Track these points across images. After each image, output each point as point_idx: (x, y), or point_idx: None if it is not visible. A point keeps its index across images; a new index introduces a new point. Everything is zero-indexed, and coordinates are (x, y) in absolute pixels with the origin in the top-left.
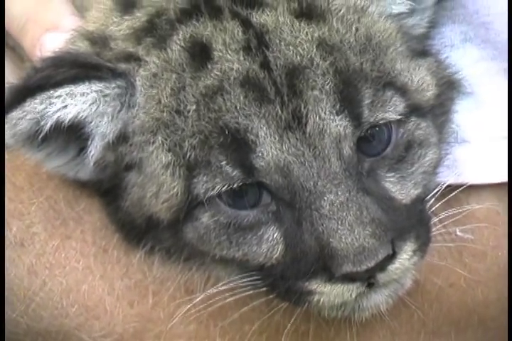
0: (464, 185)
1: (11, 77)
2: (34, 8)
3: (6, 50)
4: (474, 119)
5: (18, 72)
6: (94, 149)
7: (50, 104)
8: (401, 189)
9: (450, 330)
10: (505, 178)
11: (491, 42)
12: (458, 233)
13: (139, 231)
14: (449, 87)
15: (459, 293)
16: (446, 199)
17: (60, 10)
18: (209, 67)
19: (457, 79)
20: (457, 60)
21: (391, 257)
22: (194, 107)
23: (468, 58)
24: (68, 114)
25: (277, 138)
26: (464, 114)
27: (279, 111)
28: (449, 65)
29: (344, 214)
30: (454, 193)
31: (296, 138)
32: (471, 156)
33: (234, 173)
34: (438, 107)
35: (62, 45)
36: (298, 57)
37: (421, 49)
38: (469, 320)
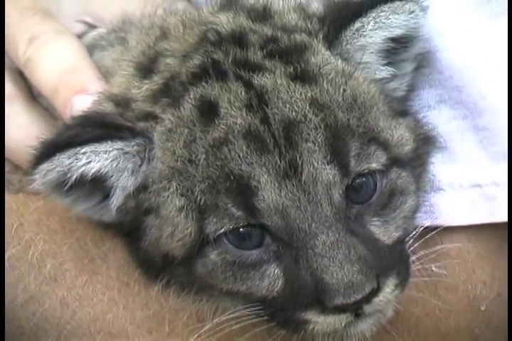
0: (439, 227)
1: (45, 134)
2: (66, 73)
3: (41, 110)
4: (448, 170)
5: (51, 129)
6: (116, 199)
7: (76, 159)
8: (384, 231)
9: None
10: (474, 221)
11: (463, 103)
12: (433, 269)
13: (156, 267)
14: (426, 142)
15: (434, 321)
16: (423, 239)
17: (88, 75)
18: (216, 122)
19: (433, 135)
20: (433, 119)
21: (376, 291)
22: (204, 156)
23: (443, 117)
24: (92, 169)
25: (276, 185)
26: (438, 166)
27: (278, 161)
28: (425, 123)
29: (335, 252)
30: (430, 234)
31: (293, 185)
32: (444, 202)
33: (238, 214)
34: (416, 159)
35: (90, 105)
36: (293, 113)
37: (401, 109)
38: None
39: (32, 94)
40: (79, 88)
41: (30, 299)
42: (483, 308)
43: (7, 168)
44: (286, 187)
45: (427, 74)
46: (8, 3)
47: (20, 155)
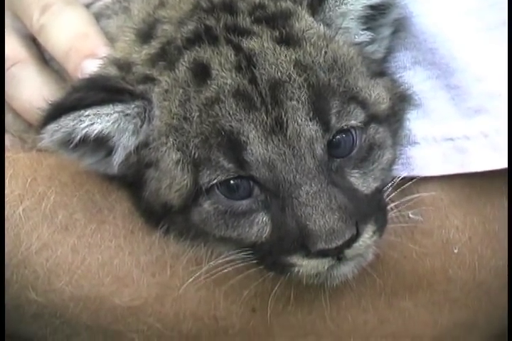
0: (415, 177)
1: (56, 95)
2: (76, 39)
3: (52, 73)
4: (422, 125)
5: (62, 91)
6: (118, 157)
7: (80, 121)
8: (363, 182)
9: (405, 293)
10: (446, 172)
11: (436, 64)
12: (410, 215)
13: (157, 215)
14: (402, 100)
15: (411, 263)
16: (400, 189)
17: (96, 41)
18: (208, 82)
19: (408, 93)
20: (408, 79)
21: (356, 237)
22: (197, 114)
23: (418, 77)
24: (94, 130)
25: (263, 140)
26: (414, 121)
27: (265, 118)
28: (401, 83)
29: (317, 201)
30: (406, 184)
31: (279, 140)
32: (419, 155)
33: (229, 167)
34: (392, 116)
35: (96, 69)
36: (279, 74)
37: (379, 70)
38: (420, 284)
39: (44, 59)
40: (88, 53)
41: (44, 246)
42: (456, 251)
43: (22, 127)
44: (273, 141)
45: (402, 37)
46: None
47: (33, 115)
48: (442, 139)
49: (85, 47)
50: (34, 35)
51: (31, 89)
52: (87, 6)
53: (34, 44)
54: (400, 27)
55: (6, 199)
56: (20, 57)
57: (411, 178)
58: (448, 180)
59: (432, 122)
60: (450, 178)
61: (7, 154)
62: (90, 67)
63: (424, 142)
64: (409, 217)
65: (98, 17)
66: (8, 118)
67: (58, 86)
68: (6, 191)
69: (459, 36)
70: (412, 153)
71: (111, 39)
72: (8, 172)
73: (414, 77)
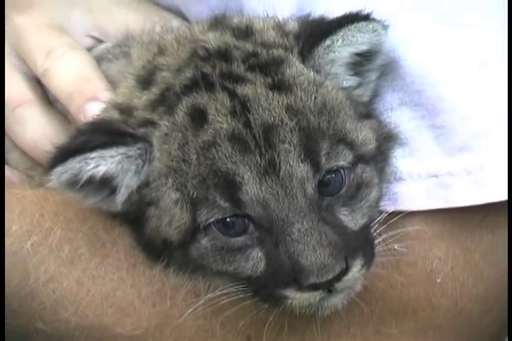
0: (401, 212)
1: (61, 136)
2: (80, 82)
3: (55, 113)
4: (408, 163)
5: (65, 131)
6: (121, 195)
7: (85, 164)
8: (351, 219)
9: (391, 320)
10: (430, 206)
11: (422, 104)
12: (396, 248)
13: (157, 250)
14: (388, 140)
15: (397, 292)
16: (387, 224)
17: (98, 84)
18: (205, 127)
19: (394, 133)
20: (395, 119)
21: (345, 271)
22: (195, 156)
23: (404, 117)
24: (99, 172)
25: (258, 180)
26: (400, 159)
27: (259, 160)
28: (387, 123)
29: (308, 238)
30: (393, 219)
31: (272, 180)
32: (405, 191)
33: (225, 206)
34: (379, 155)
35: (99, 112)
36: (271, 118)
37: (365, 112)
38: (405, 312)
39: (48, 100)
40: (91, 96)
41: (50, 279)
42: (439, 280)
43: (28, 165)
44: (266, 182)
45: (390, 80)
46: (28, 20)
47: (38, 154)
48: (427, 176)
49: (88, 90)
50: (37, 75)
51: (36, 128)
52: (89, 49)
53: (39, 86)
54: (388, 70)
55: (15, 235)
56: (25, 99)
57: (397, 213)
58: (432, 214)
59: (417, 160)
60: (434, 213)
61: (15, 191)
62: (93, 110)
63: (410, 178)
64: (395, 250)
65: (99, 60)
66: (15, 155)
67: (62, 126)
68: (15, 227)
69: (446, 77)
70: (398, 188)
71: (112, 82)
72: (17, 208)
73: (400, 118)
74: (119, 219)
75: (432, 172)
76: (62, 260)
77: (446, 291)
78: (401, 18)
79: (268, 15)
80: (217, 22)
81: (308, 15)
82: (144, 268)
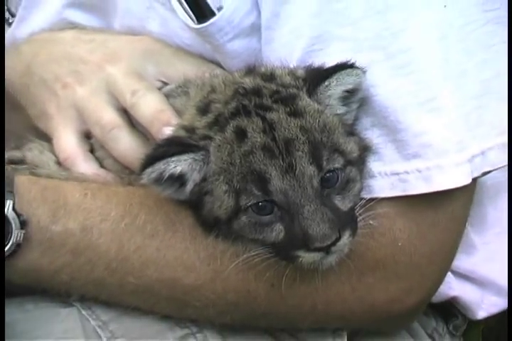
0: (374, 199)
1: (143, 149)
2: (157, 113)
3: (139, 133)
4: (378, 165)
5: (147, 145)
6: (189, 187)
7: (168, 165)
8: (342, 204)
9: (368, 272)
10: (393, 194)
11: (387, 126)
12: (371, 223)
13: (210, 225)
14: (365, 150)
15: (371, 252)
16: (365, 207)
17: (170, 114)
18: (245, 140)
19: (369, 145)
20: (369, 135)
21: (338, 238)
22: (239, 161)
23: (375, 134)
24: (177, 171)
25: (281, 177)
26: (372, 163)
27: (281, 163)
28: (364, 138)
29: (314, 216)
30: (369, 204)
31: (290, 177)
32: (376, 184)
33: (258, 194)
34: (360, 160)
35: (172, 132)
36: (290, 135)
37: (350, 131)
38: (377, 266)
39: (132, 124)
40: (166, 122)
41: (138, 248)
42: (399, 244)
43: (119, 168)
44: (286, 178)
45: (365, 109)
46: (117, 69)
47: (127, 161)
48: (390, 174)
49: (163, 118)
50: (126, 109)
51: (126, 144)
52: (159, 89)
53: (125, 114)
54: (364, 102)
55: (113, 218)
56: (117, 123)
57: (371, 199)
58: (394, 200)
59: (383, 163)
60: (396, 199)
61: (112, 188)
62: (167, 131)
63: (379, 176)
64: (370, 224)
65: (167, 97)
66: (110, 162)
67: (143, 142)
68: (113, 213)
69: (402, 109)
70: (371, 183)
71: (177, 111)
72: (114, 200)
73: (372, 134)
74: (185, 205)
75: (394, 172)
76: (146, 235)
77: (404, 251)
78: (372, 66)
79: (283, 65)
80: (250, 70)
81: (311, 64)
82: (201, 238)
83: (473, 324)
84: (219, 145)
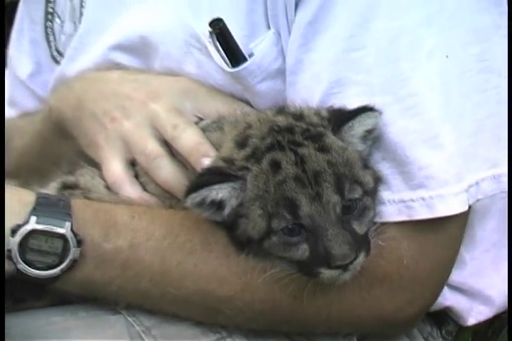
0: (384, 223)
1: (182, 176)
2: (196, 145)
3: (179, 163)
4: (387, 194)
5: (186, 174)
6: (226, 211)
7: (210, 192)
8: (359, 228)
9: (376, 285)
10: (400, 219)
11: (396, 160)
12: (380, 243)
13: (242, 244)
14: (378, 181)
15: (380, 268)
16: (377, 230)
17: (208, 147)
18: (280, 171)
19: (380, 176)
20: (380, 168)
21: (355, 258)
22: (273, 189)
23: (384, 167)
24: (218, 197)
25: (309, 204)
26: (383, 192)
27: (310, 191)
28: (377, 171)
29: (337, 238)
30: (380, 228)
31: (317, 204)
32: (385, 210)
33: (289, 218)
34: (374, 190)
35: (210, 163)
36: (318, 168)
37: (366, 164)
38: (384, 280)
39: (173, 154)
40: (204, 154)
41: (179, 263)
42: (405, 262)
43: (161, 193)
44: (314, 205)
45: (377, 145)
46: (159, 106)
47: (169, 187)
48: (398, 201)
49: (202, 150)
50: (167, 141)
51: (168, 172)
52: (196, 123)
53: (166, 145)
54: (376, 139)
55: (156, 238)
56: (159, 153)
57: (382, 224)
58: (401, 224)
59: (392, 192)
60: (402, 223)
61: (155, 211)
62: (205, 162)
63: (388, 203)
64: (380, 245)
65: (203, 131)
66: (152, 186)
67: (183, 171)
68: (157, 233)
69: (409, 145)
70: (381, 209)
71: (212, 144)
72: (157, 221)
73: (382, 167)
74: (220, 226)
75: (401, 199)
76: (185, 252)
77: (408, 267)
78: (383, 108)
79: (307, 105)
80: (281, 110)
81: (332, 106)
82: (234, 256)
83: (463, 329)
84: (256, 175)
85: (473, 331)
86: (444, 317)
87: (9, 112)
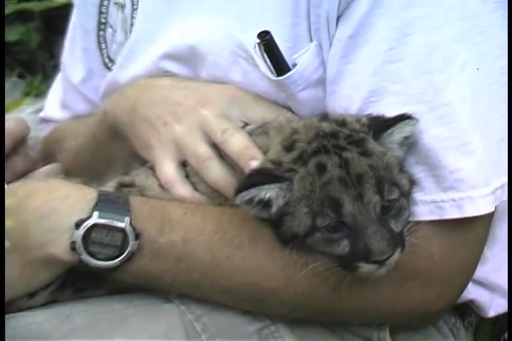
0: (417, 222)
1: (230, 177)
2: (244, 148)
3: (227, 164)
4: (420, 195)
5: (234, 175)
6: (274, 209)
7: (259, 192)
8: (396, 227)
9: (408, 280)
10: (432, 218)
11: (428, 164)
12: (413, 240)
13: (287, 240)
14: (412, 183)
15: (412, 264)
16: (411, 229)
17: (255, 150)
18: (325, 173)
19: (414, 179)
20: (413, 171)
21: (391, 254)
22: (318, 189)
23: (417, 170)
24: (266, 197)
25: (352, 203)
26: (416, 193)
27: (353, 192)
28: (411, 174)
29: (376, 235)
30: (414, 227)
31: (359, 204)
32: (418, 210)
33: (333, 216)
34: (409, 192)
35: (258, 165)
36: (361, 170)
37: (402, 168)
38: (415, 275)
39: (221, 156)
40: (252, 157)
41: (227, 257)
42: (435, 259)
43: (210, 192)
44: (356, 204)
45: (412, 150)
46: (209, 111)
47: (218, 187)
48: (430, 202)
49: (250, 153)
50: (217, 144)
51: (217, 173)
52: (242, 128)
53: (215, 148)
54: (411, 145)
55: (207, 233)
56: (210, 155)
57: (415, 222)
58: (432, 223)
59: (424, 193)
60: (433, 222)
61: (206, 208)
62: (253, 164)
63: (421, 203)
64: (412, 242)
65: (249, 135)
66: (202, 186)
67: (231, 172)
68: (207, 229)
69: (440, 151)
70: (415, 209)
71: (264, 148)
72: (208, 218)
73: (416, 170)
74: (266, 222)
75: (433, 200)
76: (234, 247)
77: (438, 264)
78: (418, 116)
79: (347, 113)
80: (324, 117)
81: (370, 114)
82: (278, 251)
83: (483, 320)
84: (302, 177)
85: (492, 322)
86: (467, 310)
87: (61, 114)
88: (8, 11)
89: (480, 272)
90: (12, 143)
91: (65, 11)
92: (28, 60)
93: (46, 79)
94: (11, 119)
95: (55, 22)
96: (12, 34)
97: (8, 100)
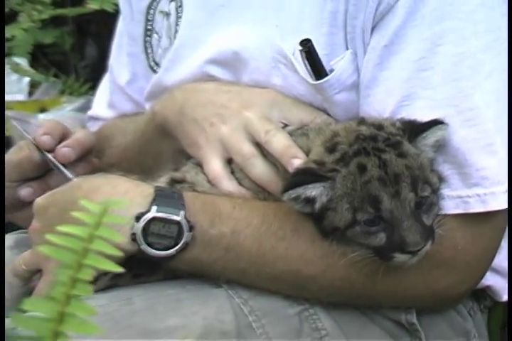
0: (444, 215)
1: (273, 174)
2: (286, 148)
3: (269, 162)
4: (447, 191)
5: (276, 172)
6: (317, 205)
7: (305, 190)
8: (427, 220)
9: (435, 267)
10: (457, 212)
11: (456, 162)
12: (440, 232)
13: (327, 233)
14: (441, 181)
15: (439, 254)
16: (438, 221)
17: (297, 149)
18: (365, 173)
19: (442, 176)
20: (441, 170)
21: (424, 246)
22: (359, 188)
23: (445, 168)
24: (311, 195)
25: (390, 200)
26: (443, 190)
27: (391, 190)
28: (440, 172)
29: (411, 228)
30: (441, 220)
31: (396, 200)
32: (445, 205)
33: (371, 211)
34: (438, 188)
35: (302, 164)
36: (398, 170)
37: (432, 168)
38: (442, 263)
39: (264, 154)
40: (294, 156)
41: (272, 247)
42: (459, 248)
43: (254, 187)
44: (393, 201)
45: (439, 150)
46: (252, 113)
47: (261, 183)
48: (456, 197)
49: (292, 152)
50: (260, 144)
51: (261, 170)
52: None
53: (259, 147)
54: (440, 146)
55: (254, 225)
56: (254, 153)
57: (442, 216)
58: (457, 217)
59: (451, 189)
60: (458, 216)
61: (253, 202)
62: (295, 163)
63: (447, 198)
64: (440, 234)
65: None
66: (247, 182)
67: (274, 170)
68: (255, 221)
69: (466, 151)
70: (442, 204)
71: (305, 148)
72: (254, 211)
73: (443, 168)
74: (308, 216)
75: (459, 196)
76: (278, 238)
77: (461, 253)
78: (446, 119)
79: (382, 116)
80: (361, 121)
81: (403, 117)
82: (319, 242)
83: (497, 304)
84: (344, 176)
85: (504, 305)
86: (484, 294)
87: (108, 113)
88: (44, 16)
89: (496, 260)
90: (81, 151)
91: (96, 16)
92: (62, 60)
93: (78, 79)
94: (80, 130)
95: (87, 26)
96: (48, 37)
97: (46, 98)
